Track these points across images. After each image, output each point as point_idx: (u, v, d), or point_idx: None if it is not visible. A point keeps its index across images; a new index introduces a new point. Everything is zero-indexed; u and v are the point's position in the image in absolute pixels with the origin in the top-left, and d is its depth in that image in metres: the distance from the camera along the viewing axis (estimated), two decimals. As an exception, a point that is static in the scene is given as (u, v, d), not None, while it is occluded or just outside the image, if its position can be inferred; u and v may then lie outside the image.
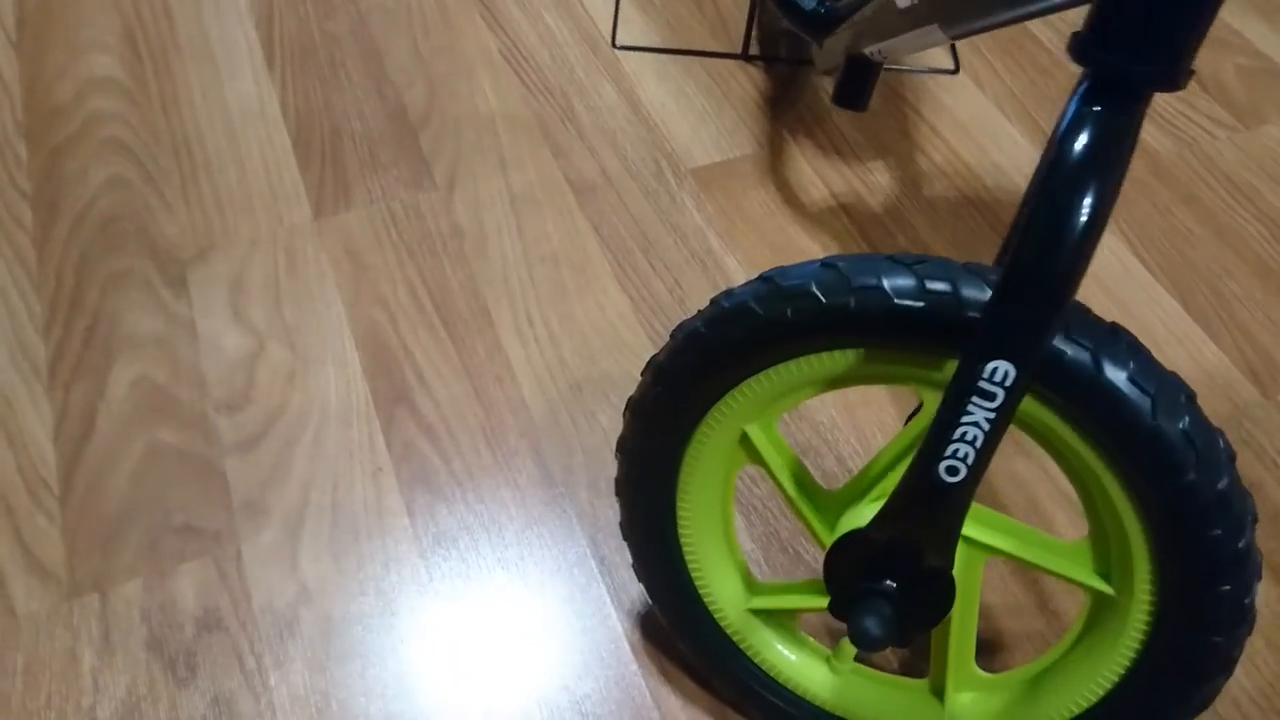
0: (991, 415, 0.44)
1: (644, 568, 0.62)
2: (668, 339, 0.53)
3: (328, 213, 0.91)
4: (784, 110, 1.02)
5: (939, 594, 0.52)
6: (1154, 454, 0.46)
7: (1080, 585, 0.53)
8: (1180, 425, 0.46)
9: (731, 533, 0.61)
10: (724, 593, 0.61)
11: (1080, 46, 0.41)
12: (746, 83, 1.05)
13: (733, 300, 0.50)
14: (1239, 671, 0.69)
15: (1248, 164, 1.01)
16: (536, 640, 0.68)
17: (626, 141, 0.99)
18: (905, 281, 0.47)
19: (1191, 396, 0.47)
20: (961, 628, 0.56)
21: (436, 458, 0.77)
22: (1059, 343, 0.46)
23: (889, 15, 0.71)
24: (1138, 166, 1.00)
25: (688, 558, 0.60)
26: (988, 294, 0.46)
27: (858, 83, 0.83)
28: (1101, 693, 0.54)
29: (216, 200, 0.92)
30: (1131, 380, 0.46)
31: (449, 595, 0.70)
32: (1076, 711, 0.56)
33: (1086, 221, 0.41)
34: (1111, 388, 0.45)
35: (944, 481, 0.47)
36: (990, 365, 0.43)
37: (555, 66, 1.05)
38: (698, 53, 1.06)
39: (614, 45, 1.06)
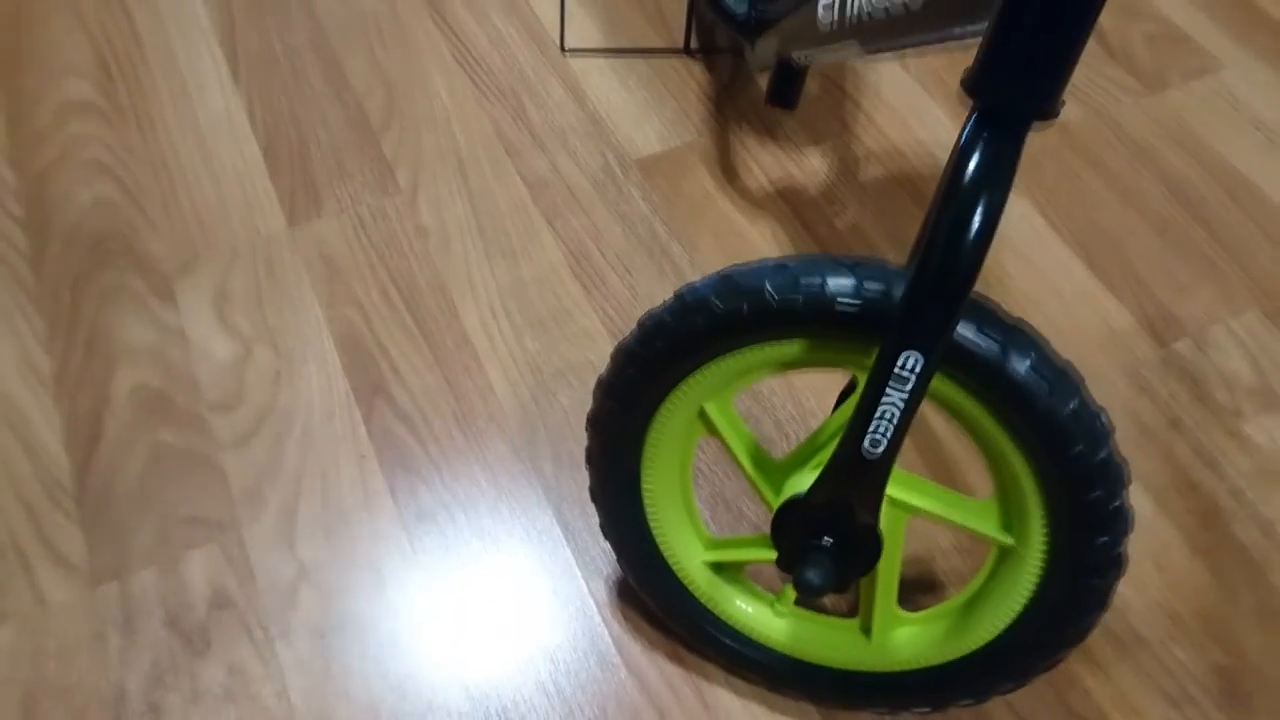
0: (905, 397, 0.53)
1: (612, 527, 0.71)
2: (636, 326, 0.60)
3: (301, 220, 0.98)
4: (723, 101, 1.10)
5: (869, 547, 0.61)
6: (1048, 431, 0.54)
7: (987, 538, 0.62)
8: (1070, 407, 0.54)
9: (690, 495, 0.69)
10: (682, 548, 0.70)
11: (970, 82, 0.49)
12: (687, 76, 1.12)
13: (695, 295, 0.58)
14: (1132, 592, 0.79)
15: (1151, 127, 1.09)
16: (511, 599, 0.77)
17: (575, 137, 1.06)
18: (845, 282, 0.55)
19: (1080, 382, 0.55)
20: (886, 576, 0.65)
21: (414, 442, 0.85)
22: (973, 336, 0.54)
23: (811, 28, 0.78)
24: (1049, 134, 1.08)
25: (650, 517, 0.69)
26: None
27: (787, 84, 0.91)
28: (1004, 626, 0.63)
29: (196, 214, 0.99)
30: (1032, 369, 0.54)
31: (431, 565, 0.79)
32: (983, 642, 0.65)
33: (978, 233, 0.49)
34: (1015, 376, 0.54)
35: (868, 454, 0.55)
36: (903, 355, 0.52)
37: (505, 68, 1.12)
38: (641, 51, 1.13)
39: (563, 50, 1.13)
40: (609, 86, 1.11)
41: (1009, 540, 0.61)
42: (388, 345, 0.90)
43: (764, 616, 0.71)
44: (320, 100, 1.08)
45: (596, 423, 0.66)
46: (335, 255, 0.96)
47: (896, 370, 0.52)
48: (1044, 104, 0.48)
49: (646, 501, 0.68)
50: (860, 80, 1.12)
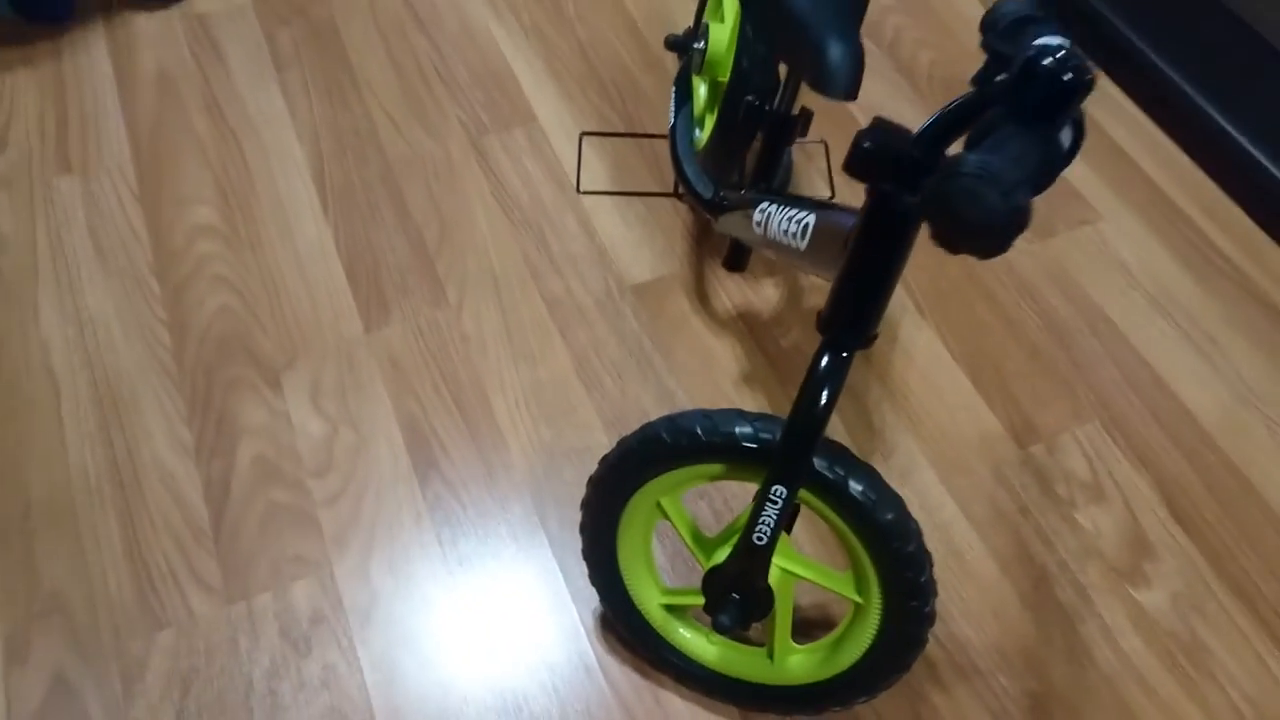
0: (776, 512, 0.83)
1: (597, 577, 1.01)
2: (615, 445, 0.91)
3: (374, 328, 1.30)
4: (701, 238, 1.40)
5: (763, 602, 0.91)
6: (875, 531, 0.84)
7: (846, 598, 0.92)
8: (889, 516, 0.84)
9: (651, 557, 1.00)
10: (644, 594, 1.01)
11: (820, 323, 0.79)
12: (675, 215, 1.43)
13: (653, 429, 0.88)
14: (971, 629, 1.09)
15: (1036, 269, 1.39)
16: (523, 623, 1.08)
17: (584, 264, 1.37)
18: (747, 430, 0.85)
19: (899, 501, 0.85)
20: (781, 619, 0.95)
21: (456, 506, 1.16)
22: (830, 470, 0.83)
23: (748, 229, 1.09)
24: (957, 270, 1.38)
25: (623, 572, 0.99)
26: None
27: (739, 254, 1.22)
28: (857, 657, 0.93)
29: (296, 320, 1.30)
30: (864, 493, 0.83)
31: (467, 596, 1.09)
32: (845, 667, 0.95)
33: (818, 418, 0.79)
34: (854, 496, 0.83)
35: (755, 544, 0.86)
36: (773, 488, 0.82)
37: (532, 204, 1.43)
38: (639, 193, 1.44)
39: (578, 190, 1.44)
40: (613, 222, 1.42)
41: (859, 600, 0.91)
42: (438, 429, 1.21)
43: (701, 643, 1.02)
44: (388, 227, 1.40)
45: (587, 506, 0.96)
46: (399, 356, 1.27)
47: (769, 496, 0.82)
48: (863, 339, 0.79)
49: (620, 561, 0.99)
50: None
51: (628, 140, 1.49)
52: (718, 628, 0.91)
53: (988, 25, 0.64)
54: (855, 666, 0.94)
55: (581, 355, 1.28)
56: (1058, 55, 0.56)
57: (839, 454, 0.85)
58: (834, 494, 0.84)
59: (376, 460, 1.19)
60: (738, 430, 0.85)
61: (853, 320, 0.79)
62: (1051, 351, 1.31)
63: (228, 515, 1.14)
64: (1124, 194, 1.47)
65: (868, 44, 1.41)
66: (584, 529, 0.98)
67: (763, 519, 0.84)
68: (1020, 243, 1.38)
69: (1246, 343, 1.33)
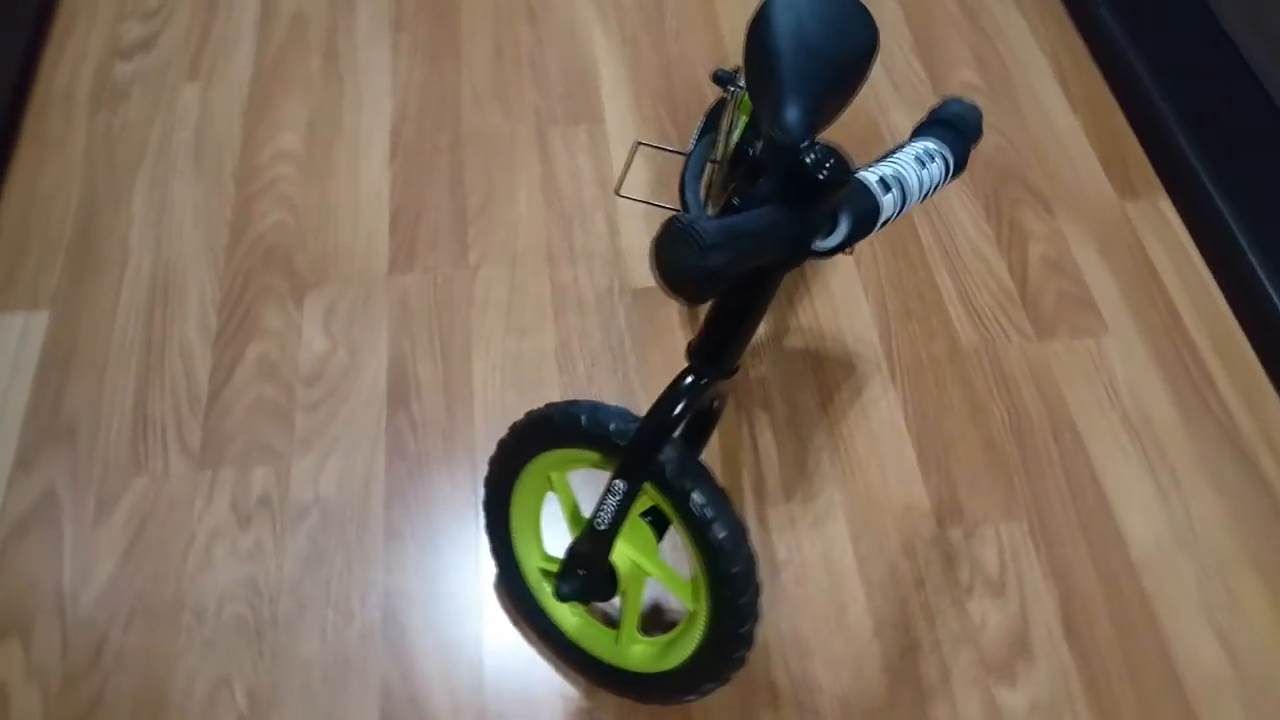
0: (616, 502, 0.92)
1: (491, 530, 1.13)
2: (521, 419, 1.02)
3: (397, 272, 1.45)
4: (710, 260, 1.49)
5: (603, 583, 1.01)
6: (708, 548, 0.93)
7: (685, 602, 1.01)
8: (722, 536, 0.92)
9: (539, 522, 1.11)
10: (525, 554, 1.12)
11: (688, 350, 0.89)
12: (693, 234, 1.52)
13: (550, 409, 0.99)
14: (827, 676, 1.14)
15: (1021, 365, 1.42)
16: (431, 560, 1.21)
17: (598, 260, 1.48)
18: (620, 427, 0.95)
19: (737, 526, 0.93)
20: (629, 608, 1.05)
21: (411, 441, 1.30)
22: (677, 479, 0.92)
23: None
24: (941, 345, 1.43)
25: (512, 532, 1.11)
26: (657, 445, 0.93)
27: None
28: (684, 658, 1.02)
29: (334, 248, 1.47)
30: (703, 508, 0.92)
31: (393, 520, 1.23)
32: (676, 665, 1.03)
33: (661, 432, 0.88)
34: (693, 508, 0.92)
35: (597, 527, 0.95)
36: (614, 480, 0.92)
37: (572, 196, 1.55)
38: (669, 208, 1.54)
39: (616, 193, 1.55)
40: (637, 229, 1.52)
41: (693, 607, 1.00)
42: (420, 372, 1.36)
43: (564, 611, 1.12)
44: (439, 189, 1.55)
45: (491, 464, 1.08)
46: (409, 301, 1.42)
47: (610, 487, 0.92)
48: (720, 372, 0.88)
49: (512, 520, 1.10)
50: (818, 266, 1.50)
51: (676, 158, 1.60)
52: (556, 594, 1.01)
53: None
54: (681, 667, 1.02)
55: (565, 340, 1.40)
56: (822, 156, 0.64)
57: (694, 470, 0.93)
58: (677, 502, 0.93)
59: (359, 384, 1.34)
60: (611, 426, 0.95)
61: (713, 355, 0.88)
62: (1006, 446, 1.34)
63: (223, 396, 1.32)
64: (1139, 312, 1.47)
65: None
66: (487, 483, 1.10)
67: (604, 507, 0.93)
68: (1016, 336, 1.41)
69: (1210, 489, 1.32)
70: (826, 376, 1.39)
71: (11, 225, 1.47)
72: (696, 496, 0.92)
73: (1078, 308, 1.48)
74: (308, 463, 1.27)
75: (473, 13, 1.79)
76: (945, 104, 0.92)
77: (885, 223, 0.77)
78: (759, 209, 0.68)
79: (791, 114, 0.99)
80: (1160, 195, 1.61)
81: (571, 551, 1.00)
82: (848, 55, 1.09)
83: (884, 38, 1.76)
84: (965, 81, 1.75)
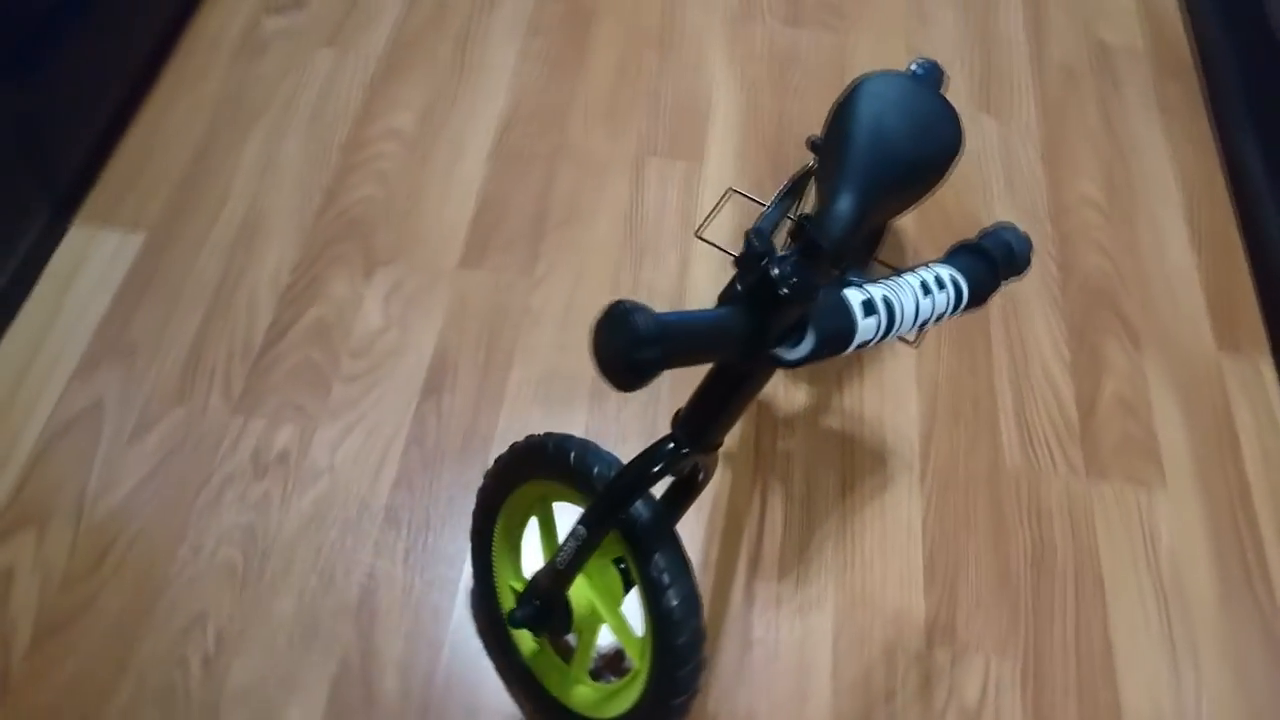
0: (575, 546, 0.93)
1: (474, 549, 1.15)
2: (516, 444, 1.04)
3: (465, 266, 1.49)
4: (769, 321, 1.48)
5: (555, 618, 1.01)
6: (658, 614, 0.92)
7: (633, 658, 1.01)
8: (674, 604, 0.92)
9: (519, 545, 1.13)
10: (502, 574, 1.14)
11: (674, 419, 0.89)
12: (760, 291, 1.51)
13: (546, 439, 1.01)
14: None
15: (1061, 501, 1.35)
16: (419, 557, 1.24)
17: (659, 296, 1.49)
18: (602, 473, 0.96)
19: (693, 599, 0.92)
20: (581, 650, 1.05)
21: (434, 431, 1.33)
22: (643, 539, 0.92)
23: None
24: (982, 459, 1.37)
25: (494, 551, 1.13)
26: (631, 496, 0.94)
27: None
28: (625, 709, 1.02)
29: (414, 232, 1.52)
30: (661, 574, 0.92)
31: (394, 506, 1.27)
32: (615, 714, 1.03)
33: (631, 490, 0.89)
34: (652, 572, 0.92)
35: (558, 566, 0.96)
36: (577, 525, 0.92)
37: (652, 229, 1.56)
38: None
39: (696, 234, 1.56)
40: (707, 273, 1.52)
41: (638, 665, 0.99)
42: (460, 367, 1.39)
43: (525, 634, 1.13)
44: (526, 196, 1.58)
45: (486, 480, 1.10)
46: (469, 298, 1.46)
47: (573, 530, 0.92)
48: (702, 445, 0.87)
49: (495, 534, 1.12)
50: (875, 355, 1.47)
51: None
52: (509, 618, 1.02)
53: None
54: (632, 709, 1.02)
55: (595, 376, 1.41)
56: (789, 272, 0.64)
57: (662, 534, 0.93)
58: (639, 561, 0.93)
59: (400, 366, 1.38)
60: (595, 470, 0.96)
61: (693, 430, 0.87)
62: (1021, 578, 1.28)
63: (273, 351, 1.38)
64: (1205, 474, 1.39)
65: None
66: (479, 494, 1.13)
67: (565, 547, 0.94)
68: (1064, 471, 1.35)
69: (1230, 679, 1.23)
70: (854, 463, 1.36)
71: (133, 151, 1.57)
72: (658, 559, 0.92)
73: (1139, 454, 1.40)
74: (333, 431, 1.32)
75: (607, 30, 1.82)
76: (996, 230, 0.89)
77: (865, 345, 0.75)
78: (721, 308, 0.68)
79: (844, 203, 0.98)
80: (1264, 356, 1.52)
81: (534, 580, 1.02)
82: (924, 156, 1.07)
83: (1012, 134, 1.72)
84: (1084, 194, 1.68)
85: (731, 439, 1.36)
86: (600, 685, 1.07)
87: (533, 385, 1.39)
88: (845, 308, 0.72)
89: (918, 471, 1.36)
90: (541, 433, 1.03)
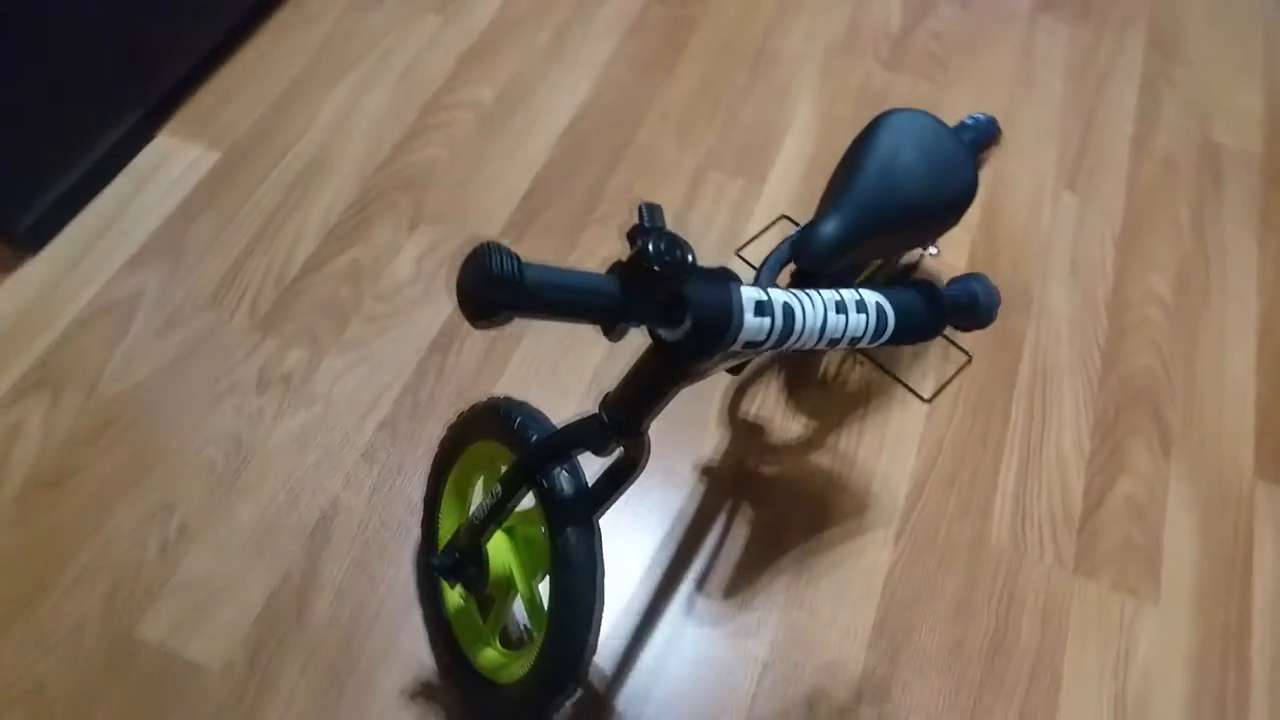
0: (490, 503, 0.95)
1: (424, 510, 1.19)
2: (469, 407, 1.07)
3: (503, 237, 1.53)
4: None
5: (470, 572, 1.03)
6: (558, 586, 0.93)
7: (535, 630, 1.02)
8: (571, 583, 0.93)
9: (466, 503, 1.15)
10: (445, 526, 1.17)
11: (601, 401, 0.90)
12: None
13: (498, 401, 1.04)
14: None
15: (1039, 592, 1.29)
16: (382, 498, 1.28)
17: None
18: (539, 439, 0.98)
19: (593, 584, 0.93)
20: (494, 615, 1.07)
21: (432, 383, 1.37)
22: (558, 512, 0.93)
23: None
24: (967, 530, 1.33)
25: (441, 504, 1.16)
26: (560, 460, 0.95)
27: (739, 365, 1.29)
28: (511, 681, 1.03)
29: (464, 199, 1.58)
30: (569, 550, 0.93)
31: (373, 449, 1.31)
32: (508, 682, 1.04)
33: (545, 458, 0.90)
34: (559, 545, 0.93)
35: (472, 521, 0.99)
36: (497, 484, 0.94)
37: (694, 240, 1.57)
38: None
39: (736, 252, 1.56)
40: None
41: (536, 637, 1.00)
42: (471, 332, 1.43)
43: (452, 590, 1.15)
44: (583, 184, 1.62)
45: (440, 442, 1.14)
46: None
47: (493, 488, 0.94)
48: (623, 429, 0.88)
49: (446, 490, 1.15)
50: (885, 402, 1.43)
51: (808, 243, 1.58)
52: (428, 563, 1.04)
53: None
54: (506, 688, 1.04)
55: (608, 364, 1.43)
56: (664, 249, 0.64)
57: (580, 516, 0.94)
58: (552, 533, 0.94)
59: (416, 319, 1.44)
60: (532, 437, 0.98)
61: (615, 413, 0.88)
62: (974, 658, 1.23)
63: (306, 280, 1.45)
64: (1206, 600, 1.30)
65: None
66: (439, 446, 1.16)
67: (482, 504, 0.96)
68: (1050, 562, 1.29)
69: (1174, 812, 1.15)
70: (833, 504, 1.33)
71: (232, 76, 1.68)
72: (570, 536, 0.93)
73: (1138, 562, 1.33)
74: (338, 363, 1.38)
75: (704, 42, 1.85)
76: (966, 278, 0.88)
77: (760, 346, 0.74)
78: (598, 274, 0.69)
79: (830, 225, 0.98)
80: (1306, 493, 1.41)
81: (456, 533, 1.04)
82: (931, 198, 1.05)
83: (1093, 215, 1.66)
84: (1151, 290, 1.61)
85: (714, 453, 1.36)
86: (506, 651, 1.09)
87: (534, 365, 1.41)
88: (731, 301, 0.72)
89: (895, 527, 1.32)
90: (501, 396, 1.06)
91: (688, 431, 1.37)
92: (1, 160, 1.34)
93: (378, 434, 1.33)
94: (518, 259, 0.64)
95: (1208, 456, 1.43)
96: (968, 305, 0.86)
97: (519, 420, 1.00)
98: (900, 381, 1.44)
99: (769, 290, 0.75)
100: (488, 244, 0.64)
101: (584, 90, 1.74)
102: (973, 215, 1.66)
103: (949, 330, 1.48)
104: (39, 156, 1.39)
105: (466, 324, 1.42)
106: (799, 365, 1.46)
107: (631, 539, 1.27)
